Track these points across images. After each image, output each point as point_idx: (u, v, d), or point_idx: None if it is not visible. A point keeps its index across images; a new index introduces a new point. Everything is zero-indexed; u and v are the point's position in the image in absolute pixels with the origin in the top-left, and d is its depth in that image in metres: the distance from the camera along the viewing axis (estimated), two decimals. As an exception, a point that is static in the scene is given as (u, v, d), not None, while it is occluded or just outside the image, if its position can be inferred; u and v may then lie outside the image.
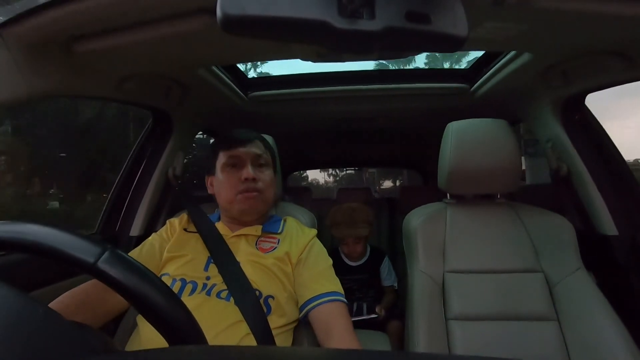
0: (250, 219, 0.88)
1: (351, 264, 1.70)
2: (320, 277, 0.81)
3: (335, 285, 0.81)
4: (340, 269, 1.67)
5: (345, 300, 0.79)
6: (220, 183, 0.87)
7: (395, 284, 1.69)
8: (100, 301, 0.70)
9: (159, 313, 0.35)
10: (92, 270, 0.35)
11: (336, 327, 0.74)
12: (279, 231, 0.89)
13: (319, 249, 0.88)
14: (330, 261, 0.87)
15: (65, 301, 0.69)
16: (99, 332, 0.35)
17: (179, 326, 0.36)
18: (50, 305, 0.65)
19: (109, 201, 1.23)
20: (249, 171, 0.84)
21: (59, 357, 0.25)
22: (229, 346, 0.34)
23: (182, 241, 0.85)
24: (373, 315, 1.45)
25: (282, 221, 0.93)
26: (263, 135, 1.05)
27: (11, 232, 0.37)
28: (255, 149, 0.88)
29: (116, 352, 0.32)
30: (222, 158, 0.88)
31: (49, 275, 0.91)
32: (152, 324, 0.36)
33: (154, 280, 0.37)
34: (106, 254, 0.36)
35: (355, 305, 1.48)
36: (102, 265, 0.35)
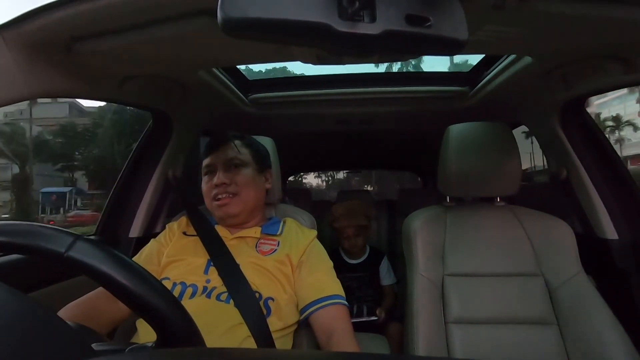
0: (236, 223, 0.89)
1: (351, 262, 1.73)
2: (321, 280, 0.81)
3: (337, 287, 0.81)
4: (340, 267, 1.71)
5: (346, 303, 0.79)
6: (203, 192, 0.90)
7: (394, 284, 1.70)
8: (104, 311, 0.72)
9: (140, 299, 0.35)
10: (62, 260, 0.35)
11: (337, 331, 0.74)
12: (278, 233, 0.89)
13: (320, 251, 0.88)
14: (331, 263, 0.87)
15: (70, 312, 0.70)
16: (96, 333, 0.35)
17: (163, 311, 0.36)
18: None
19: (108, 202, 1.22)
20: (219, 177, 0.86)
21: (57, 358, 0.25)
22: (228, 348, 0.34)
23: (182, 245, 0.85)
24: (373, 318, 1.45)
25: (282, 222, 0.93)
26: (263, 137, 1.05)
27: None
28: (228, 151, 0.89)
29: (115, 351, 0.32)
30: (202, 166, 0.91)
31: (48, 277, 0.90)
32: (134, 311, 0.36)
33: (130, 264, 0.37)
34: (78, 243, 0.36)
35: (355, 307, 1.48)
36: (73, 253, 0.35)
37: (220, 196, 0.86)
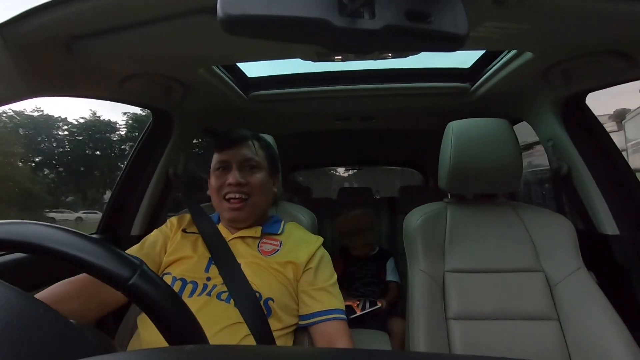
0: (243, 226, 0.88)
1: (359, 256, 1.79)
2: (327, 292, 0.81)
3: (340, 302, 0.81)
4: (349, 261, 1.73)
5: (345, 317, 0.79)
6: (211, 186, 0.87)
7: (399, 281, 1.73)
8: (93, 292, 0.68)
9: (180, 333, 0.36)
10: (124, 288, 0.35)
11: (339, 345, 0.74)
12: (278, 232, 0.89)
13: (327, 261, 0.87)
14: (335, 276, 0.86)
15: (58, 290, 0.67)
16: (98, 332, 0.35)
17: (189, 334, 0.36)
18: (42, 293, 0.65)
19: (109, 201, 1.23)
20: (234, 176, 0.83)
21: (58, 357, 0.25)
22: (230, 345, 0.34)
23: (183, 243, 0.85)
24: (375, 307, 1.48)
25: (282, 221, 0.93)
26: (263, 135, 1.05)
27: (52, 240, 0.36)
28: (245, 150, 0.87)
29: (116, 352, 0.32)
30: (214, 160, 0.88)
31: (51, 275, 0.91)
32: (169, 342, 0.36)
33: (179, 303, 0.37)
34: (137, 274, 0.35)
35: (359, 303, 1.50)
36: (134, 284, 0.35)
37: (231, 196, 0.83)
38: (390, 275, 1.73)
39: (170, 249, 0.84)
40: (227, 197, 0.84)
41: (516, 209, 1.03)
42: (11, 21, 0.62)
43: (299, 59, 0.88)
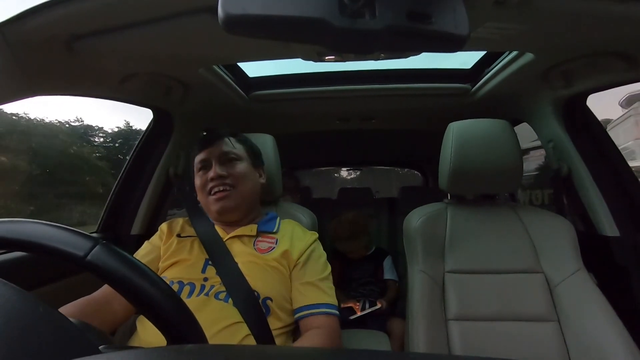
0: (233, 219, 0.88)
1: (355, 257, 1.78)
2: (314, 286, 0.80)
3: (331, 296, 0.80)
4: (345, 263, 1.72)
5: (337, 312, 0.79)
6: (197, 187, 0.89)
7: (396, 280, 1.72)
8: (104, 313, 0.71)
9: (154, 305, 0.35)
10: (82, 264, 0.35)
11: (316, 339, 0.73)
12: (274, 230, 0.89)
13: (320, 255, 0.87)
14: (329, 268, 0.86)
15: (69, 311, 0.68)
16: (98, 330, 0.35)
17: (175, 318, 0.36)
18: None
19: (110, 200, 1.23)
20: (214, 170, 0.85)
21: (59, 356, 0.25)
22: (230, 345, 0.34)
23: (179, 247, 0.84)
24: (374, 308, 1.48)
25: (278, 219, 0.93)
26: (264, 134, 1.05)
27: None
28: (223, 146, 0.89)
29: (115, 349, 0.32)
30: (195, 162, 0.90)
31: (50, 274, 0.91)
32: (148, 318, 0.35)
33: (145, 271, 0.37)
34: (97, 248, 0.36)
35: (360, 303, 1.50)
36: (93, 258, 0.35)
37: (216, 189, 0.85)
38: (388, 274, 1.72)
39: (165, 254, 0.84)
40: (212, 192, 0.85)
41: (516, 210, 1.03)
42: (12, 20, 0.63)
43: (299, 59, 0.88)
